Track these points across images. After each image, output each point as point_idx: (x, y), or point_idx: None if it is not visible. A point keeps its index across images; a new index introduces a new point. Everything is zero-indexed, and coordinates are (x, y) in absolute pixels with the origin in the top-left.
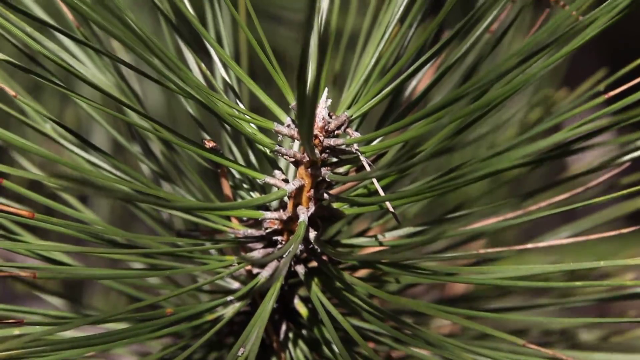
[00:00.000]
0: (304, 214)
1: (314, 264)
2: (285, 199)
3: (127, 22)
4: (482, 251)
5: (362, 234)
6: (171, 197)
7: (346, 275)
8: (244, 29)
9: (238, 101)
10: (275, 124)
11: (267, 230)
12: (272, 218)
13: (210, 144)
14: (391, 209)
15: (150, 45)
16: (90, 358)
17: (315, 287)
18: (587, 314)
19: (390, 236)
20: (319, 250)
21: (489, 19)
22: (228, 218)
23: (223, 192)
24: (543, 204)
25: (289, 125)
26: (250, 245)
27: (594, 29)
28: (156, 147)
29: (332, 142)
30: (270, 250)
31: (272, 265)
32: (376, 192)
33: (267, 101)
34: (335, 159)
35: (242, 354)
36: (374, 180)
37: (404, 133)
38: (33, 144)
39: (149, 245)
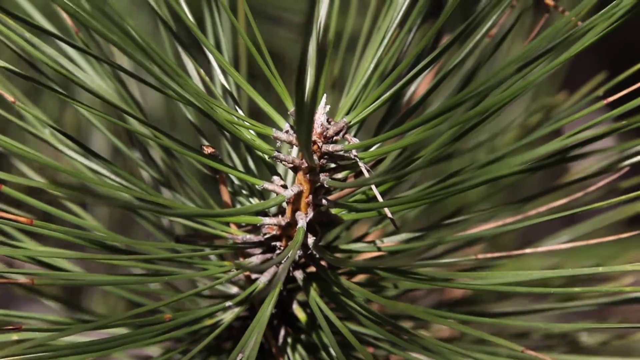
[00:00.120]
0: (303, 219)
1: (312, 269)
2: (284, 204)
3: (125, 29)
4: (480, 256)
5: (360, 239)
6: (171, 203)
7: (344, 280)
8: (242, 36)
9: (237, 107)
10: (274, 130)
11: (266, 236)
12: (270, 224)
13: (208, 150)
14: (389, 215)
15: (149, 52)
16: None
17: (313, 293)
18: (587, 318)
19: (388, 241)
20: (317, 256)
21: (489, 24)
22: (227, 224)
23: (222, 198)
24: (542, 208)
25: (287, 131)
26: (248, 250)
27: (592, 35)
28: (156, 153)
29: (330, 148)
30: (268, 255)
31: (271, 270)
32: (375, 198)
33: (266, 107)
34: (333, 165)
35: (241, 359)
36: (373, 187)
37: (403, 139)
38: (32, 149)
39: (148, 251)
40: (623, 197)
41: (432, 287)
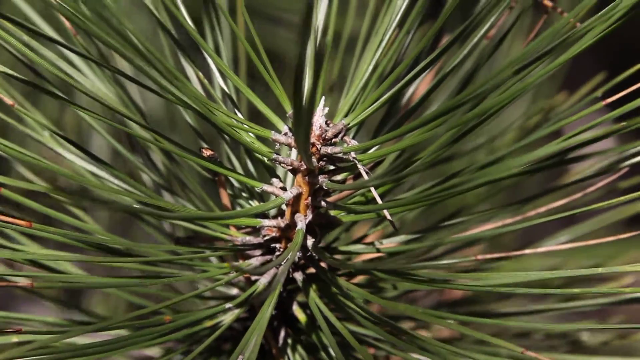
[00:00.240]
0: (302, 221)
1: (311, 270)
2: (283, 206)
3: (124, 33)
4: (480, 257)
5: (359, 240)
6: (171, 206)
7: (343, 281)
8: (241, 40)
9: (236, 110)
10: (273, 132)
11: (265, 238)
12: (270, 226)
13: (207, 153)
14: (389, 217)
15: (148, 56)
16: None
17: (313, 294)
18: (588, 318)
19: (388, 243)
20: (316, 258)
21: (487, 25)
22: (227, 226)
23: (222, 201)
24: (541, 209)
25: (286, 134)
26: (248, 252)
27: (591, 37)
28: (156, 156)
29: (329, 150)
30: (268, 257)
31: (271, 272)
32: (373, 200)
33: (265, 110)
34: (332, 167)
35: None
36: (372, 189)
37: (401, 141)
38: (31, 152)
39: (148, 253)
40: (622, 198)
41: (431, 289)
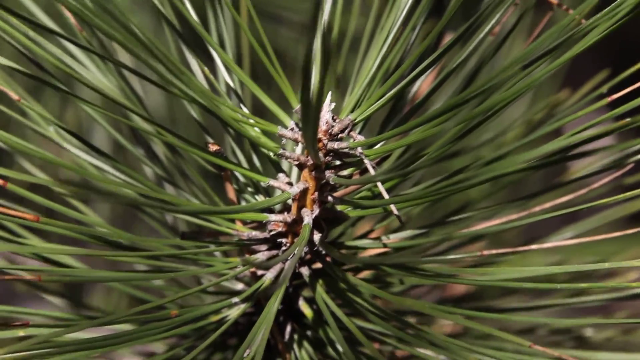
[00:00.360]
0: (309, 216)
1: (318, 265)
2: (289, 201)
3: (129, 28)
4: (486, 252)
5: (365, 235)
6: (176, 200)
7: (350, 276)
8: (246, 33)
9: (242, 105)
10: (279, 127)
11: (272, 233)
12: (276, 220)
13: (214, 148)
14: (395, 211)
15: (153, 50)
16: (94, 359)
17: (319, 289)
18: (593, 314)
19: (393, 238)
20: (323, 252)
21: (492, 22)
22: (232, 221)
23: (227, 195)
24: (547, 205)
25: (292, 129)
26: (254, 247)
27: (595, 35)
28: (159, 150)
29: (335, 145)
30: (274, 252)
31: (277, 267)
32: (380, 195)
33: (272, 105)
34: (338, 162)
35: (248, 355)
36: (378, 183)
37: (407, 137)
38: (34, 145)
39: (153, 248)
40: (628, 194)
41: (438, 283)
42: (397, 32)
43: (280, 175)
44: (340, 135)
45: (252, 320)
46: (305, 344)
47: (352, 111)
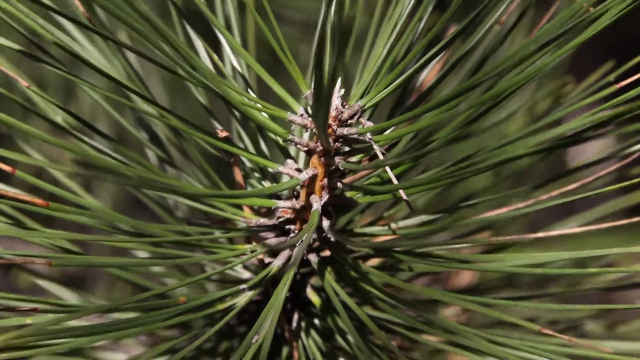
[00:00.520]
0: (318, 202)
1: (326, 252)
2: (298, 188)
3: (138, 9)
4: (494, 239)
5: (373, 223)
6: (183, 184)
7: (361, 264)
8: (254, 15)
9: (250, 90)
10: (289, 113)
11: (280, 219)
12: (285, 207)
13: (223, 134)
14: (404, 197)
15: (161, 31)
16: (99, 348)
17: (328, 276)
18: (592, 304)
19: (402, 224)
20: (332, 239)
21: (500, 11)
22: (239, 207)
23: (235, 180)
24: (553, 193)
25: (302, 115)
26: (262, 234)
27: (605, 20)
28: (163, 136)
29: (345, 131)
30: (282, 239)
31: (285, 254)
32: (389, 181)
33: (280, 91)
34: (348, 148)
35: (256, 341)
36: (387, 169)
37: (417, 122)
38: (38, 130)
39: (159, 234)
40: (634, 181)
41: (448, 270)
42: (405, 20)
43: (289, 161)
44: (349, 121)
45: (260, 309)
46: (313, 332)
47: (361, 97)
